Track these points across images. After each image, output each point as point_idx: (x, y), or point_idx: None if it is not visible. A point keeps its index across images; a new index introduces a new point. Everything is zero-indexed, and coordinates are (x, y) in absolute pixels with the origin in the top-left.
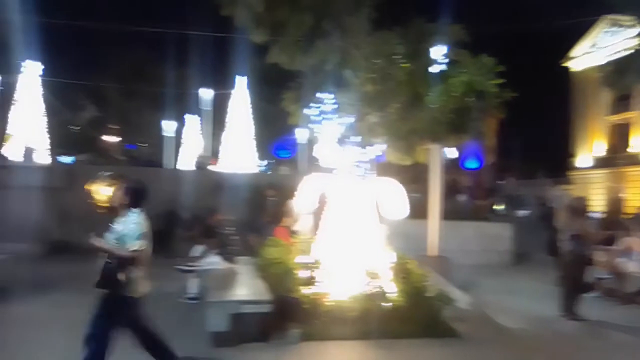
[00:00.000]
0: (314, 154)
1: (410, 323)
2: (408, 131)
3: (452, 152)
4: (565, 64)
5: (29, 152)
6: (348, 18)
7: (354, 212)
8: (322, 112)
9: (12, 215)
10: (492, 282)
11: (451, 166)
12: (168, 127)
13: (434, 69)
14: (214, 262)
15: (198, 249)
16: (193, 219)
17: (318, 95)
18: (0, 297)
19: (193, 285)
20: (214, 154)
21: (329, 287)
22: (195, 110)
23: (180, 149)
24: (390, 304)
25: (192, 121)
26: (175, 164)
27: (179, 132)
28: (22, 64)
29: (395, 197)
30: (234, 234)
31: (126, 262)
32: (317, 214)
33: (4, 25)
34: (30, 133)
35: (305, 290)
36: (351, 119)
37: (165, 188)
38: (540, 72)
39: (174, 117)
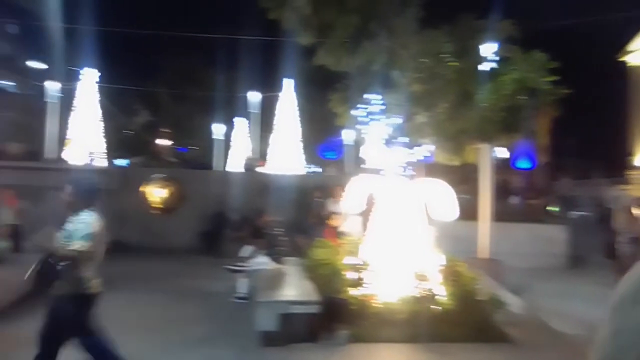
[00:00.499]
0: (361, 155)
1: (460, 327)
2: (457, 131)
3: (502, 152)
4: (622, 58)
5: (88, 155)
6: (395, 18)
7: (402, 214)
8: (369, 113)
9: None
10: (546, 285)
11: (502, 166)
12: (218, 130)
13: (483, 66)
14: (262, 262)
15: (247, 250)
16: (242, 220)
17: (365, 96)
18: None
19: (242, 285)
20: (262, 156)
21: (377, 288)
22: (244, 113)
23: (230, 152)
24: (440, 307)
25: (240, 124)
26: (224, 166)
27: (228, 135)
28: (81, 71)
29: (444, 199)
30: (281, 235)
31: (68, 261)
32: (365, 216)
33: (62, 35)
34: (88, 137)
35: (353, 292)
36: (399, 120)
37: (214, 190)
38: (596, 67)
39: (223, 120)
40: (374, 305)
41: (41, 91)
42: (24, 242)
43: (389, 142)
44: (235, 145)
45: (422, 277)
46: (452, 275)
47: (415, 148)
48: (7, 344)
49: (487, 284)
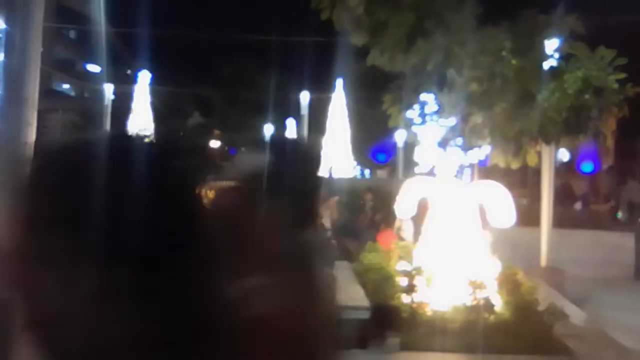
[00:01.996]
0: (414, 157)
1: (517, 338)
2: (517, 132)
3: (565, 155)
4: None
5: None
6: (451, 15)
7: (457, 219)
8: (423, 114)
9: None
10: (612, 297)
11: (565, 170)
12: (268, 131)
13: (546, 64)
14: None
15: None
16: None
17: (419, 96)
18: None
19: None
20: None
21: (430, 296)
22: (295, 114)
23: None
24: (496, 316)
25: (291, 125)
26: None
27: None
28: (137, 74)
29: (501, 203)
30: (331, 238)
31: None
32: (418, 220)
33: (119, 39)
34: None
35: (405, 299)
36: (454, 121)
37: None
38: None
39: (274, 121)
40: (426, 312)
41: (99, 94)
42: None
43: (443, 144)
44: None
45: (477, 285)
46: (509, 284)
47: (471, 150)
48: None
49: (546, 294)
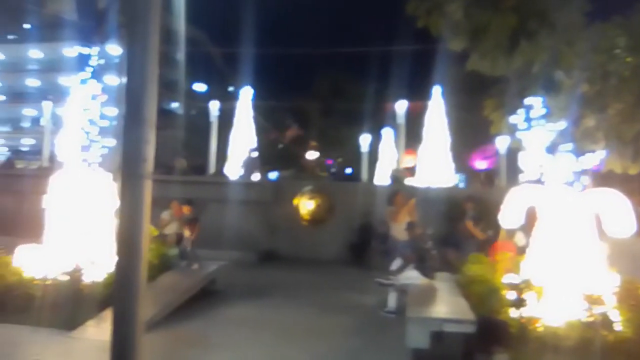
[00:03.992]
0: (518, 164)
1: (638, 358)
2: (635, 134)
3: None
4: None
5: (246, 169)
6: (557, 14)
7: (570, 229)
8: (528, 119)
9: (230, 227)
10: None
11: None
12: (364, 141)
13: None
14: (412, 276)
15: (397, 263)
16: (388, 233)
17: (524, 100)
18: (220, 299)
19: (392, 299)
20: (410, 167)
21: (540, 311)
22: (391, 123)
23: (377, 163)
24: (615, 334)
25: (387, 135)
26: (371, 178)
27: (374, 146)
28: (239, 91)
29: (619, 212)
30: (432, 249)
31: None
32: (526, 230)
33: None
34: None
35: (513, 313)
36: (564, 124)
37: (361, 202)
38: None
39: (369, 131)
40: (536, 328)
41: (205, 111)
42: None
43: (552, 149)
44: (382, 156)
45: (593, 300)
46: (629, 299)
47: (584, 155)
48: (177, 342)
49: None
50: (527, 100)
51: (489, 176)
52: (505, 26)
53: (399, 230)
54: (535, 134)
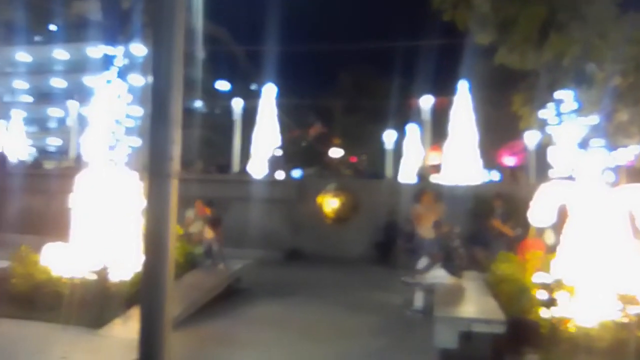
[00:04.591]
0: (548, 160)
1: None
2: None
3: None
4: None
5: (271, 168)
6: (588, 5)
7: (602, 226)
8: (559, 113)
9: (254, 225)
10: None
11: None
12: (388, 138)
13: None
14: (439, 275)
15: (423, 262)
16: (414, 231)
17: (554, 94)
18: (245, 297)
19: (419, 298)
20: (436, 164)
21: (572, 311)
22: (416, 120)
23: (401, 160)
24: None
25: (412, 131)
26: (396, 175)
27: (399, 143)
28: (262, 89)
29: None
30: (459, 247)
31: None
32: (558, 228)
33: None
34: (266, 151)
35: (544, 313)
36: (596, 119)
37: (386, 200)
38: None
39: (394, 127)
40: (568, 329)
41: (228, 109)
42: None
43: (584, 144)
44: (407, 153)
45: (628, 300)
46: None
47: (617, 150)
48: (203, 340)
49: None
50: (558, 94)
51: (514, 173)
52: (535, 18)
53: (425, 228)
54: (566, 129)
